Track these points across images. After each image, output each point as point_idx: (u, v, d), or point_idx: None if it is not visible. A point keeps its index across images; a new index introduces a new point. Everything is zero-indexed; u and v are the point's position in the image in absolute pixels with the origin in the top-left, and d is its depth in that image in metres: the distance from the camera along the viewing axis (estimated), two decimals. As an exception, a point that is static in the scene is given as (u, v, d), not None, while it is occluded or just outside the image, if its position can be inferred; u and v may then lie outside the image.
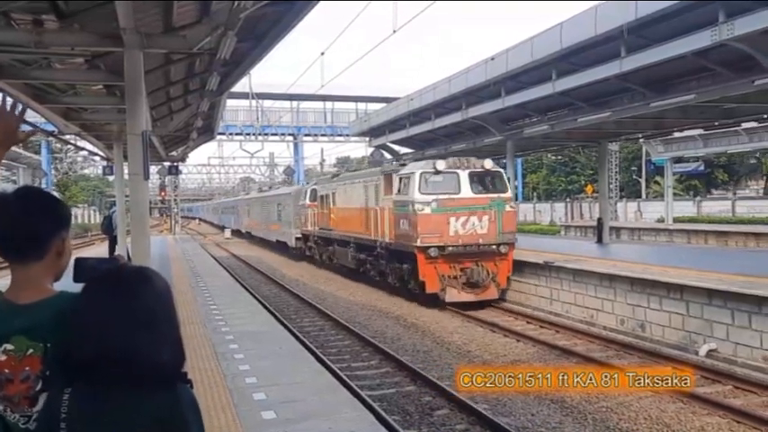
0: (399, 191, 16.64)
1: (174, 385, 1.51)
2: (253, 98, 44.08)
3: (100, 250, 26.36)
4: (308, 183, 35.64)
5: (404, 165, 18.76)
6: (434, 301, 15.96)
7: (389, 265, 17.80)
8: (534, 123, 21.57)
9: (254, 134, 49.71)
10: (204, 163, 68.20)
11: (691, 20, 12.80)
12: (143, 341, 1.47)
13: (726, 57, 13.44)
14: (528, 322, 14.54)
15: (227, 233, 51.14)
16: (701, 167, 46.17)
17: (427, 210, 15.50)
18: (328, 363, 10.21)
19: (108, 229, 17.19)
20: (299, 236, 28.78)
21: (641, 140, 35.49)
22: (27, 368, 1.62)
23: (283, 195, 34.44)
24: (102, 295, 1.52)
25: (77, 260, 1.81)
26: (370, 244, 18.95)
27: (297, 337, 11.47)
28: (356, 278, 21.39)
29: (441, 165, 16.05)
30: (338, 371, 9.82)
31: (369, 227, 19.00)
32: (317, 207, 25.44)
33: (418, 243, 15.47)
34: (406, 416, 8.38)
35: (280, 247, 34.31)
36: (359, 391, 8.78)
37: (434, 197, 15.63)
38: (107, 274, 1.58)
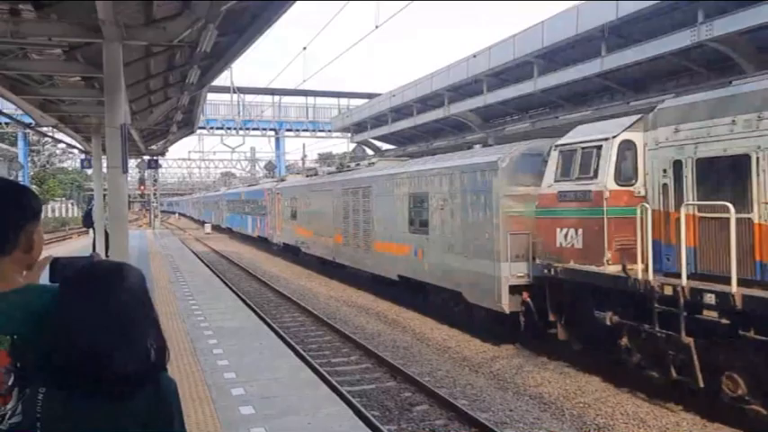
0: None
1: (156, 380, 1.49)
2: (234, 92, 43.79)
3: (77, 245, 26.09)
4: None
5: None
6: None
7: None
8: (516, 121, 21.71)
9: (235, 129, 49.42)
10: (184, 157, 67.75)
11: (671, 20, 12.96)
12: (121, 340, 1.45)
13: (705, 57, 13.62)
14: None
15: (208, 228, 50.68)
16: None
17: None
18: (308, 358, 10.21)
19: (89, 222, 17.05)
20: (523, 280, 11.06)
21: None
22: (-3, 361, 1.58)
23: (470, 167, 12.58)
24: (76, 295, 1.50)
25: (53, 260, 1.79)
26: None
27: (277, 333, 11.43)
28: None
29: None
30: (318, 366, 9.82)
31: None
32: None
33: None
34: (386, 411, 8.39)
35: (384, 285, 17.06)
36: (338, 386, 8.78)
37: None
38: (81, 274, 1.56)
